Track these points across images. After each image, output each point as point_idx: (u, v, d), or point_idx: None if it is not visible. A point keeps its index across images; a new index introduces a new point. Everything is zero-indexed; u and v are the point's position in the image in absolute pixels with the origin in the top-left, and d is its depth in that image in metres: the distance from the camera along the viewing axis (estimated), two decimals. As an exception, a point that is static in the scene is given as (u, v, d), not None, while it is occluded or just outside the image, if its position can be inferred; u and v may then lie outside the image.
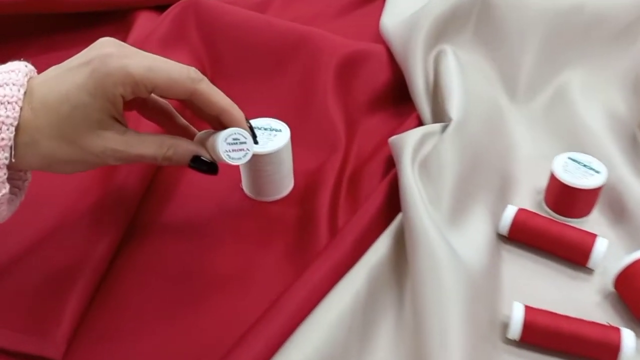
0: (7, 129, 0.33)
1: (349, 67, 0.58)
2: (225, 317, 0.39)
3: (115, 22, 0.70)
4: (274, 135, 0.46)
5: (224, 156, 0.38)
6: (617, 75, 0.58)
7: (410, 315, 0.38)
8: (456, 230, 0.42)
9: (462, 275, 0.37)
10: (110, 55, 0.35)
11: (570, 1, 0.58)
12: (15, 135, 0.33)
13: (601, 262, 0.42)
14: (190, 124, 0.44)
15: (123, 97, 0.36)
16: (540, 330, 0.37)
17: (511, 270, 0.43)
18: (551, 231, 0.43)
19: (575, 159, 0.46)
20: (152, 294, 0.41)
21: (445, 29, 0.58)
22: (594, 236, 0.42)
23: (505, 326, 0.38)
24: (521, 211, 0.44)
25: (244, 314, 0.39)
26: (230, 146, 0.39)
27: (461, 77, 0.52)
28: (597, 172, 0.45)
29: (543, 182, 0.49)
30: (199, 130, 0.43)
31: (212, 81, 0.39)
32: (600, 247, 0.42)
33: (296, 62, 0.60)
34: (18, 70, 0.35)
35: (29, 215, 0.42)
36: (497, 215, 0.45)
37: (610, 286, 0.41)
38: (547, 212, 0.48)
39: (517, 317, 0.37)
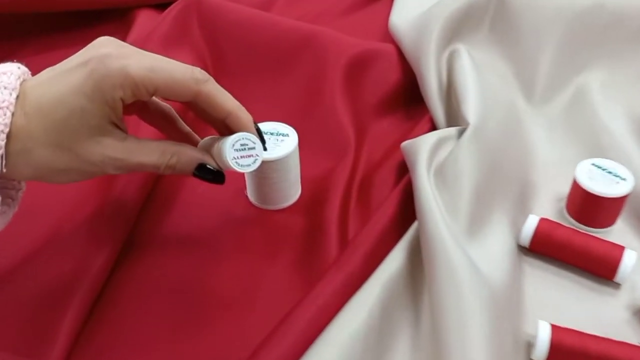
0: None
1: (358, 67, 0.56)
2: (230, 336, 0.37)
3: (115, 21, 0.68)
4: (280, 141, 0.44)
5: (232, 163, 0.36)
6: (638, 75, 0.56)
7: (428, 335, 0.36)
8: (475, 242, 0.40)
9: (484, 291, 0.35)
10: (108, 55, 0.33)
11: (589, -2, 0.56)
12: (7, 143, 0.31)
13: (629, 276, 0.40)
14: (192, 128, 0.41)
15: (123, 101, 0.33)
16: (567, 351, 0.35)
17: (533, 285, 0.41)
18: (575, 243, 0.41)
19: (600, 165, 0.44)
20: (153, 310, 0.39)
21: (459, 27, 0.55)
22: (621, 248, 0.40)
23: (529, 346, 0.36)
24: (543, 221, 0.42)
25: (249, 332, 0.37)
26: (238, 152, 0.36)
27: (477, 78, 0.49)
28: (623, 179, 0.43)
29: (564, 189, 0.46)
30: (202, 138, 0.41)
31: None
32: (629, 260, 0.39)
33: (302, 62, 0.57)
34: (10, 72, 0.33)
35: (21, 227, 0.39)
36: (516, 224, 0.43)
37: (639, 302, 0.39)
38: (568, 221, 0.45)
39: (543, 338, 0.35)
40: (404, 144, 0.46)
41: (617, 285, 0.40)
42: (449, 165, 0.42)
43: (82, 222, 0.42)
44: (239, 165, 0.36)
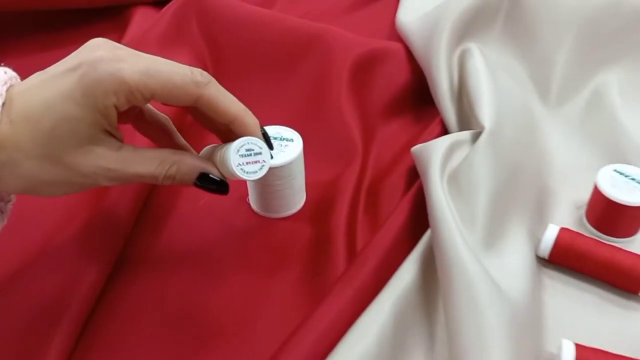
0: None
1: (365, 67, 0.54)
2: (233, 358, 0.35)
3: (111, 20, 0.66)
4: (284, 146, 0.42)
5: (237, 170, 0.33)
6: (658, 76, 0.53)
7: (443, 354, 0.34)
8: (492, 254, 0.37)
9: (503, 307, 0.33)
10: (100, 59, 0.30)
11: (606, -5, 0.53)
12: None
13: (657, 291, 0.37)
14: (189, 136, 0.39)
15: (116, 107, 0.31)
16: (593, 373, 0.32)
17: (553, 299, 0.38)
18: (599, 254, 0.38)
19: (623, 171, 0.42)
20: (148, 332, 0.36)
21: (470, 25, 0.53)
22: (648, 260, 0.38)
23: (552, 367, 0.34)
24: (564, 231, 0.40)
25: (253, 352, 0.35)
26: (243, 158, 0.34)
27: (490, 78, 0.47)
28: (648, 186, 0.40)
29: (582, 196, 0.44)
30: (198, 153, 0.38)
31: (215, 83, 0.34)
32: (656, 273, 0.37)
33: (307, 62, 0.55)
34: None
35: (6, 241, 0.37)
36: (535, 234, 0.41)
37: (667, 318, 0.37)
38: (588, 230, 0.43)
39: (567, 358, 0.32)
40: (415, 148, 0.44)
41: (643, 300, 0.38)
42: (464, 171, 0.40)
43: (71, 236, 0.39)
44: (244, 172, 0.34)
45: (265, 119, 0.43)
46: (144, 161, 0.32)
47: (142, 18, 0.63)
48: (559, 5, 0.54)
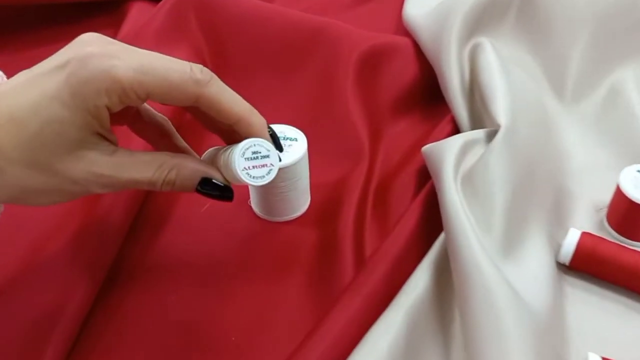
0: None
1: (372, 63, 0.51)
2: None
3: (106, 14, 0.64)
4: (288, 145, 0.39)
5: (242, 175, 0.31)
6: (677, 71, 0.51)
7: (460, 367, 0.32)
8: (511, 260, 0.35)
9: (524, 317, 0.31)
10: (91, 55, 0.28)
11: (624, -12, 0.51)
12: None
13: (685, 299, 0.35)
14: (189, 138, 0.36)
15: (109, 109, 0.29)
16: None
17: (575, 307, 0.36)
18: (622, 260, 0.36)
19: (647, 172, 0.39)
20: (147, 343, 0.34)
21: (482, 18, 0.51)
22: (675, 267, 0.35)
23: (576, 381, 0.32)
24: (585, 236, 0.37)
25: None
26: (249, 162, 0.31)
27: (504, 74, 0.45)
28: (673, 187, 0.38)
29: (602, 197, 0.42)
30: (200, 156, 0.36)
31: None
32: (685, 280, 0.35)
33: (311, 57, 0.53)
34: None
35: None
36: (554, 238, 0.39)
37: (696, 328, 0.34)
38: (609, 233, 0.41)
39: (594, 374, 0.30)
40: (426, 148, 0.42)
41: (670, 309, 0.36)
42: (479, 172, 0.38)
43: (62, 245, 0.37)
44: (250, 177, 0.31)
45: (268, 118, 0.41)
46: (141, 166, 0.30)
47: (138, 12, 0.61)
48: (574, 1, 0.52)
